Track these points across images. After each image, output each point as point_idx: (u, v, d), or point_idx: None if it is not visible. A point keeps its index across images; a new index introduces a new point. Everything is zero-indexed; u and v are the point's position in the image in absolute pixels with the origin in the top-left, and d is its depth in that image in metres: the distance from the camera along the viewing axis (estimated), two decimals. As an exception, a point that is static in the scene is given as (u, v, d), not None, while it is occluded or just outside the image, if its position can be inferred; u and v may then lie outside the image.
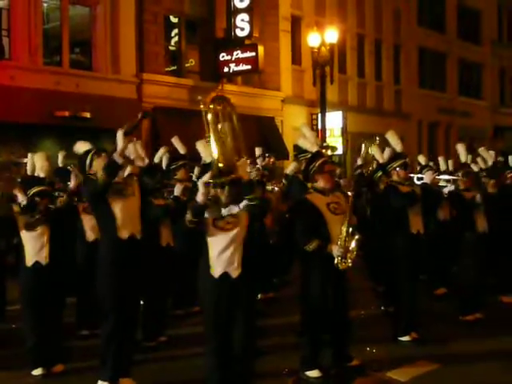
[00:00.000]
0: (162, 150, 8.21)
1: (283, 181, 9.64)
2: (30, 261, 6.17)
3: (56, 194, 7.24)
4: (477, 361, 6.33)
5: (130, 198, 5.76)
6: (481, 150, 9.19)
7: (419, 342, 6.86)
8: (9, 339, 7.28)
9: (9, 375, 6.14)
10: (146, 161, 6.66)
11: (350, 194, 5.81)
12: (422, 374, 6.05)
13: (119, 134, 5.42)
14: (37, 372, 6.08)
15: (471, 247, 7.93)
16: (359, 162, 10.27)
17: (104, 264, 5.62)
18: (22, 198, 6.35)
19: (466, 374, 5.97)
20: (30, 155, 7.56)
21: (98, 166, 5.90)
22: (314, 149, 6.38)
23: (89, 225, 7.35)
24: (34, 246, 6.16)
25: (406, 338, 6.92)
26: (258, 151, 9.95)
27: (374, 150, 9.32)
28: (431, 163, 10.65)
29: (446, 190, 8.84)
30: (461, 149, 8.74)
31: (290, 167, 10.15)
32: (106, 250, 5.66)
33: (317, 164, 5.96)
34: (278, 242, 8.97)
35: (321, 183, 5.93)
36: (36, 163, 6.59)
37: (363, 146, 10.34)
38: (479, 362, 6.30)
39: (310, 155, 6.57)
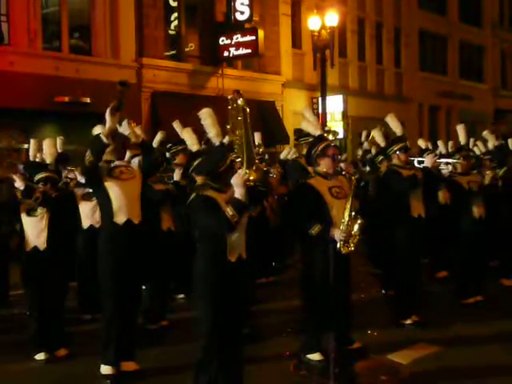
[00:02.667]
0: (159, 135, 8.01)
1: (277, 166, 9.64)
2: (28, 246, 6.23)
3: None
4: (478, 343, 6.35)
5: (130, 181, 5.59)
6: (485, 133, 9.12)
7: (420, 324, 6.87)
8: (12, 324, 7.31)
9: (12, 360, 6.15)
10: (142, 137, 5.93)
11: (353, 178, 5.79)
12: (423, 356, 6.06)
13: (107, 113, 5.29)
14: (40, 357, 6.12)
15: (467, 232, 7.91)
16: (366, 146, 10.26)
17: (103, 249, 5.60)
18: (19, 184, 6.35)
19: (467, 356, 5.98)
20: (32, 141, 7.58)
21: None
22: (317, 132, 6.33)
23: (84, 212, 7.41)
24: (32, 232, 6.21)
25: (407, 321, 6.93)
26: (257, 137, 9.92)
27: (375, 135, 9.32)
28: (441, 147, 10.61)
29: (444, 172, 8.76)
30: (461, 130, 8.57)
31: (284, 152, 10.16)
32: (104, 236, 5.63)
33: (319, 148, 5.92)
34: (279, 225, 8.99)
35: (323, 167, 5.90)
36: (44, 149, 6.70)
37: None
38: (480, 344, 6.32)
39: (311, 139, 6.53)
